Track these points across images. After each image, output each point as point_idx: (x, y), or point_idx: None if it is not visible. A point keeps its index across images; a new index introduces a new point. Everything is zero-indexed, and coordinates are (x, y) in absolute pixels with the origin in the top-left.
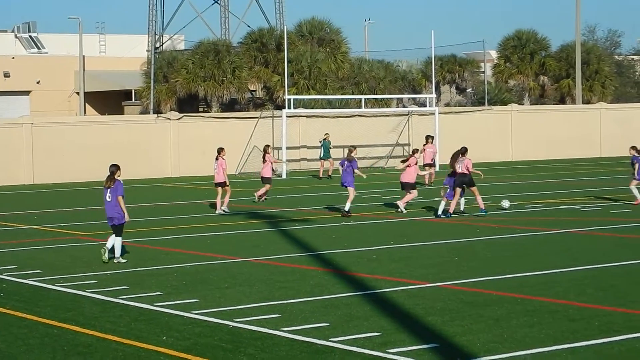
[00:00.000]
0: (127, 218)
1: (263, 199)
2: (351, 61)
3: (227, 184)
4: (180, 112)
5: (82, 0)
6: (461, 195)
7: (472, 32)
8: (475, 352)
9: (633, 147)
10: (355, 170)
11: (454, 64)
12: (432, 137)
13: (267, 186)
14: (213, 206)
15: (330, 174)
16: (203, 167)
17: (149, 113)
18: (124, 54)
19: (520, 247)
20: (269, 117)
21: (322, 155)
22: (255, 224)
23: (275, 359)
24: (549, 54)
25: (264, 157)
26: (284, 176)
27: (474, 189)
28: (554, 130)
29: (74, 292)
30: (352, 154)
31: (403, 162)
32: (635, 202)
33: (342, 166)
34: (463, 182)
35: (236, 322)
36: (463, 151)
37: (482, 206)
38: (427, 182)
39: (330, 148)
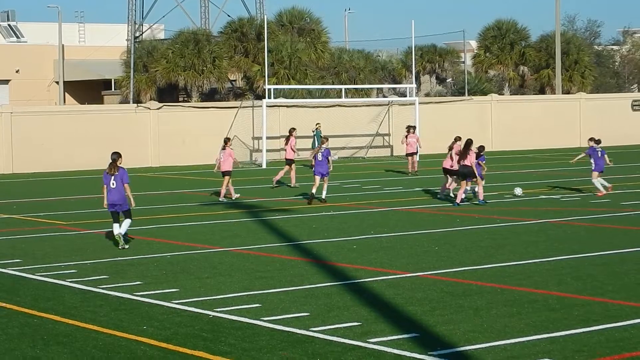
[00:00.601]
0: (133, 204)
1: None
2: (331, 51)
3: (231, 173)
4: (160, 102)
5: None
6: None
7: (452, 22)
8: (456, 341)
9: (591, 139)
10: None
11: (434, 54)
12: (414, 127)
13: (287, 167)
14: (218, 194)
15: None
16: (183, 156)
17: (128, 102)
18: (104, 43)
19: (499, 237)
20: (249, 106)
21: (314, 145)
22: (235, 213)
23: (256, 348)
24: (529, 44)
25: (287, 138)
26: (264, 166)
27: (464, 182)
28: (533, 120)
29: (54, 281)
30: (324, 145)
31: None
32: (599, 194)
33: (314, 158)
34: (464, 173)
35: (216, 311)
36: (469, 143)
37: (482, 197)
38: (410, 170)
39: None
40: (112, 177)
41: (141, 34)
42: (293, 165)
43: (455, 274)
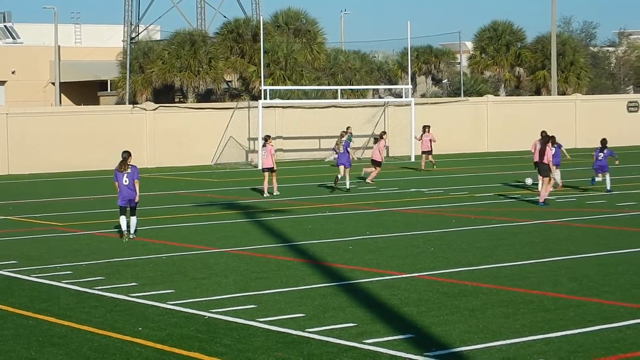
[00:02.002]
0: (137, 199)
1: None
2: (327, 52)
3: (275, 169)
4: (156, 103)
5: None
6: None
7: (448, 23)
8: (451, 342)
9: (543, 132)
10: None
11: (430, 55)
12: (429, 126)
13: (377, 169)
14: (261, 191)
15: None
16: (179, 157)
17: (124, 103)
18: (100, 44)
19: (495, 237)
20: (245, 107)
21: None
22: (231, 214)
23: (251, 349)
24: (525, 45)
25: (376, 140)
26: (259, 167)
27: (547, 179)
28: (529, 122)
29: (49, 282)
30: (343, 138)
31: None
32: (558, 187)
33: (335, 151)
34: (541, 170)
35: (212, 312)
36: (548, 140)
37: (542, 199)
38: (422, 167)
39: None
40: (124, 175)
41: (137, 35)
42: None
43: (451, 275)
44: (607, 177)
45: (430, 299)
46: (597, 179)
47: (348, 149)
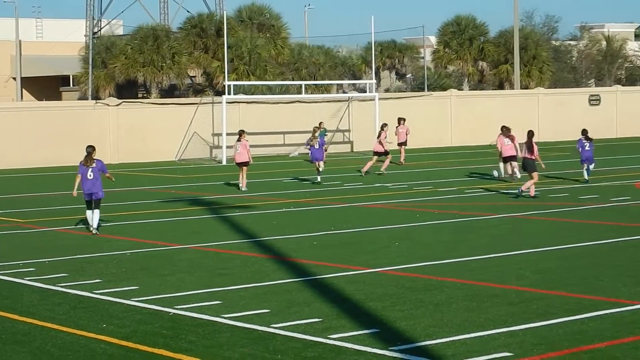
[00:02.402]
0: (113, 179)
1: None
2: (291, 47)
3: (250, 163)
4: (119, 98)
5: None
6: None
7: (412, 17)
8: (416, 336)
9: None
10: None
11: (394, 49)
12: (404, 119)
13: (375, 158)
14: (237, 185)
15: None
16: (143, 153)
17: (87, 99)
18: (62, 39)
19: (459, 232)
20: (208, 103)
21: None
22: (195, 210)
23: (216, 345)
24: (488, 40)
25: (379, 134)
26: (224, 162)
27: (535, 174)
28: (493, 116)
29: (12, 280)
30: (316, 133)
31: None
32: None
33: (308, 145)
34: (526, 165)
35: (177, 309)
36: (531, 135)
37: (533, 193)
38: (402, 161)
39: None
40: (89, 169)
41: (100, 30)
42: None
43: (416, 269)
44: (591, 167)
45: (395, 294)
46: (585, 169)
47: (324, 145)
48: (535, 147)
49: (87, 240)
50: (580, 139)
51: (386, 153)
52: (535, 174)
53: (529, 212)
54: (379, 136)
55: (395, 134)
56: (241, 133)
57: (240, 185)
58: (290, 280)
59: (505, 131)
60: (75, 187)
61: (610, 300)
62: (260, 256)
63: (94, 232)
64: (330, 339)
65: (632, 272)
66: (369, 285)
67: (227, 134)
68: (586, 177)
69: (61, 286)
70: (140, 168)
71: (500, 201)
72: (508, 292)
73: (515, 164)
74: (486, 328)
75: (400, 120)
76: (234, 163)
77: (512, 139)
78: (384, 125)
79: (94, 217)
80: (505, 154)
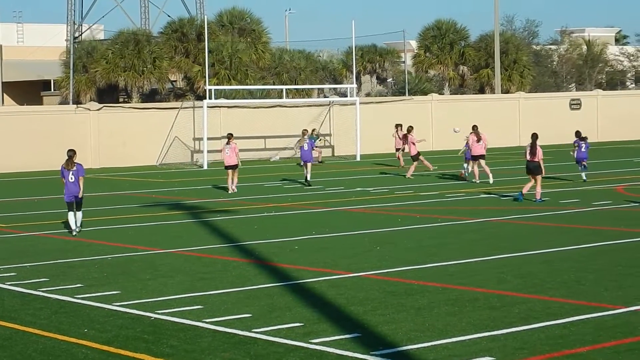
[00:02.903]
0: (81, 194)
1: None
2: (272, 51)
3: (239, 166)
4: (100, 103)
5: None
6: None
7: (393, 22)
8: (398, 341)
9: (474, 126)
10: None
11: (375, 54)
12: (401, 125)
13: (415, 163)
14: (226, 189)
15: (320, 160)
16: (124, 158)
17: (68, 103)
18: (43, 44)
19: (441, 236)
20: (190, 107)
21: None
22: (177, 214)
23: (198, 350)
24: (469, 44)
25: (405, 137)
26: (205, 167)
27: (538, 177)
28: (473, 120)
29: None
30: (306, 136)
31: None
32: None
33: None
34: (531, 168)
35: (158, 313)
36: (535, 137)
37: (539, 196)
38: (401, 164)
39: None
40: (70, 172)
41: (81, 34)
42: (421, 157)
43: (397, 274)
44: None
45: (377, 298)
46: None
47: (313, 147)
48: (540, 150)
49: (68, 244)
50: (575, 140)
51: (416, 157)
52: (538, 177)
53: (510, 216)
54: (404, 138)
55: (393, 136)
56: (230, 136)
57: (230, 188)
58: (272, 285)
59: (476, 130)
60: (66, 190)
61: (592, 304)
62: (241, 260)
63: (75, 232)
64: (311, 343)
65: (614, 276)
66: (350, 289)
67: (208, 139)
68: (584, 177)
69: (42, 291)
70: (121, 172)
71: (481, 205)
72: (489, 296)
73: (482, 162)
74: (468, 332)
75: (398, 126)
76: (224, 166)
77: (481, 138)
78: (410, 128)
79: (76, 217)
80: (475, 152)
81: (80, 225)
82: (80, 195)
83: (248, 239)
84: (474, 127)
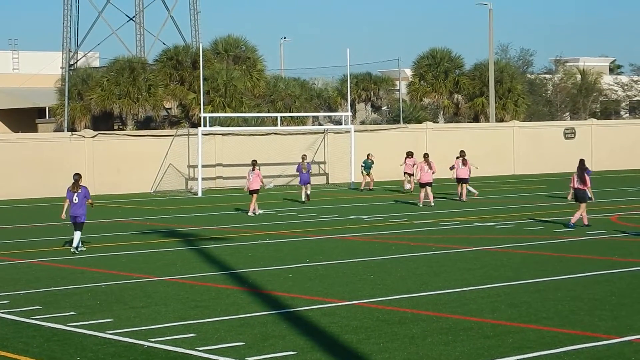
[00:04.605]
0: (92, 205)
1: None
2: (267, 79)
3: (259, 191)
4: (95, 130)
5: None
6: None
7: (387, 50)
8: None
9: (462, 151)
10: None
11: (369, 82)
12: (412, 152)
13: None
14: (246, 211)
15: (371, 187)
16: (118, 184)
17: (63, 131)
18: (38, 71)
19: (435, 264)
20: (184, 135)
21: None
22: (170, 242)
23: None
24: (463, 73)
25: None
26: (199, 194)
27: (583, 204)
28: (468, 148)
29: None
30: (305, 161)
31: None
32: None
33: (299, 171)
34: (578, 196)
35: (151, 341)
36: (582, 163)
37: (586, 221)
38: (411, 188)
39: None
40: (75, 194)
41: (76, 62)
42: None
43: (391, 302)
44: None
45: (370, 327)
46: None
47: (310, 170)
48: (588, 178)
49: (61, 272)
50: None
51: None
52: (583, 205)
53: (504, 245)
54: (463, 164)
55: (401, 165)
56: (254, 163)
57: (252, 211)
58: (265, 313)
59: (462, 155)
60: (64, 210)
61: (586, 334)
62: (235, 288)
63: (72, 250)
64: None
65: (608, 306)
66: (343, 317)
67: (203, 166)
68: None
69: (35, 319)
70: (115, 200)
71: (475, 234)
72: (483, 326)
73: (465, 185)
74: None
75: (408, 154)
76: (247, 191)
77: (465, 163)
78: (425, 155)
79: (74, 237)
80: (459, 175)
81: (79, 244)
82: (84, 219)
83: (242, 267)
84: (425, 155)
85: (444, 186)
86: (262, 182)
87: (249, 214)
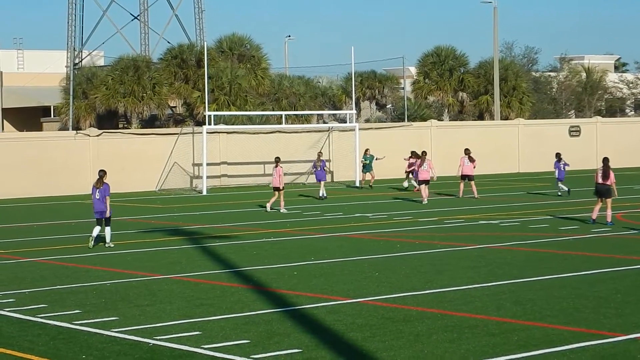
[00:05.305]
0: (108, 214)
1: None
2: (271, 77)
3: (283, 188)
4: (99, 129)
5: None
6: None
7: (392, 48)
8: None
9: (467, 149)
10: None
11: (374, 80)
12: (425, 152)
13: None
14: (264, 206)
15: (371, 184)
16: (123, 183)
17: (68, 129)
18: (43, 70)
19: (440, 262)
20: (189, 133)
21: (365, 168)
22: (175, 240)
23: None
24: (468, 71)
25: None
26: (204, 192)
27: (609, 200)
28: (473, 146)
29: None
30: (321, 158)
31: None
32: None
33: (315, 168)
34: (601, 191)
35: (156, 339)
36: (607, 161)
37: (610, 219)
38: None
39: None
40: (97, 190)
41: (80, 61)
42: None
43: (396, 300)
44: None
45: (375, 324)
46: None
47: (324, 167)
48: (612, 174)
49: (66, 270)
50: (556, 162)
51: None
52: (609, 200)
53: (509, 242)
54: (470, 161)
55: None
56: (277, 160)
57: (270, 206)
58: (270, 311)
59: (467, 153)
60: (93, 207)
61: (591, 332)
62: (240, 286)
63: (107, 245)
64: None
65: (613, 303)
66: (349, 315)
67: (208, 164)
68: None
69: (41, 317)
70: (120, 198)
71: (480, 231)
72: (488, 323)
73: (471, 182)
74: (467, 359)
75: (413, 153)
76: (272, 188)
77: (472, 160)
78: (423, 153)
79: (106, 232)
80: (464, 172)
81: (110, 241)
82: (107, 214)
83: (247, 265)
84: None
85: (451, 184)
86: (282, 181)
87: (281, 210)
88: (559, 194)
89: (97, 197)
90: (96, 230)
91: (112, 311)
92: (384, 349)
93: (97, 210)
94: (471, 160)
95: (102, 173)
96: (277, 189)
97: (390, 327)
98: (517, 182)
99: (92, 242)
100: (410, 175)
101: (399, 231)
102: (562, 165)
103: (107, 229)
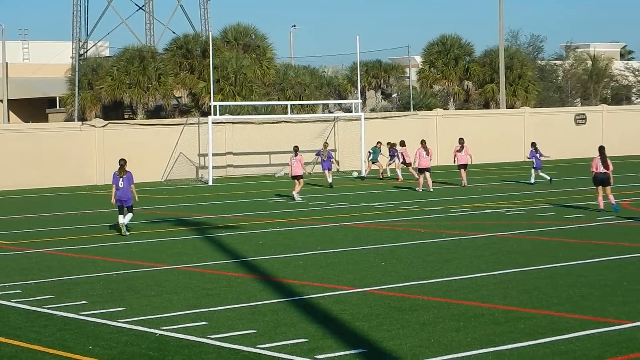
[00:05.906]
0: (136, 199)
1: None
2: (277, 67)
3: (303, 176)
4: (105, 119)
5: (5, 6)
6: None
7: (397, 37)
8: (402, 357)
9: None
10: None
11: (379, 69)
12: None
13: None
14: (292, 198)
15: (381, 175)
16: None
17: (73, 120)
18: (48, 61)
19: (445, 251)
20: (194, 123)
21: (372, 158)
22: (181, 231)
23: None
24: (473, 59)
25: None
26: (210, 183)
27: (608, 188)
28: (478, 135)
29: None
30: (327, 148)
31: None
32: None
33: (318, 156)
34: (602, 179)
35: (163, 330)
36: (603, 149)
37: (614, 201)
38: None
39: (380, 153)
40: (121, 179)
41: (86, 51)
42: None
43: (402, 289)
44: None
45: (381, 314)
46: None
47: (332, 159)
48: (610, 162)
49: (73, 261)
50: (531, 151)
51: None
52: (609, 188)
53: (515, 231)
54: (461, 150)
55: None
56: (296, 149)
57: (296, 197)
58: (277, 301)
59: (462, 142)
60: (113, 195)
61: (598, 319)
62: (246, 276)
63: (123, 232)
64: (316, 359)
65: (619, 291)
66: (355, 305)
67: (213, 154)
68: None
69: (47, 308)
70: None
71: (486, 220)
72: (495, 312)
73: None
74: (473, 348)
75: (423, 142)
76: (290, 177)
77: (465, 150)
78: (422, 141)
79: (127, 216)
80: (460, 162)
81: (128, 226)
82: (135, 199)
83: (253, 255)
84: (422, 142)
85: (454, 173)
86: (304, 169)
87: (297, 199)
88: (548, 179)
89: (121, 186)
90: (121, 218)
91: (119, 302)
92: (390, 338)
93: (122, 198)
94: (465, 149)
95: (123, 162)
96: (299, 177)
97: (396, 316)
98: (523, 171)
99: (124, 229)
100: (403, 165)
101: (405, 220)
102: (538, 155)
103: (129, 215)
